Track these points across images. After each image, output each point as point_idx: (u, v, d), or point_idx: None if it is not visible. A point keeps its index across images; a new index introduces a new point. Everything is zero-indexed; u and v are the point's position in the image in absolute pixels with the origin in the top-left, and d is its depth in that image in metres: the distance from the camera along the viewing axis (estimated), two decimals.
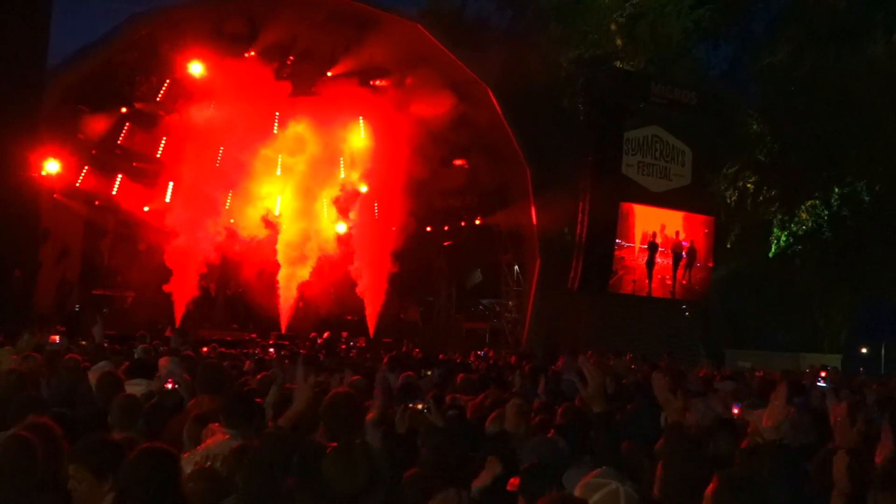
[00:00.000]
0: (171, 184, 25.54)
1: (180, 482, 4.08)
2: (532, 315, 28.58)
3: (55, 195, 23.90)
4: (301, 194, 26.78)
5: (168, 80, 25.27)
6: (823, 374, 14.28)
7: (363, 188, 27.20)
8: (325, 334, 24.33)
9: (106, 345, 14.88)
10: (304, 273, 26.93)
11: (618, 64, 29.46)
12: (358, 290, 27.85)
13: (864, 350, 55.38)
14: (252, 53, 25.05)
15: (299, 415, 4.76)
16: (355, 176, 27.12)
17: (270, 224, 26.93)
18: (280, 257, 26.83)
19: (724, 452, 5.76)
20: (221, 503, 4.61)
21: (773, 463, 5.10)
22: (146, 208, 25.68)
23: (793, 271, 32.65)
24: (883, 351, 65.78)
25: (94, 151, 24.79)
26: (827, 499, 4.34)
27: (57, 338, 14.87)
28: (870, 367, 54.01)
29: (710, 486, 3.70)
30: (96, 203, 25.67)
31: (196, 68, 24.47)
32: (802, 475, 5.32)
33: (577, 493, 3.94)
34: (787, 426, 6.42)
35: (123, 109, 24.94)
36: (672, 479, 4.33)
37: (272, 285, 26.99)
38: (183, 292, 25.37)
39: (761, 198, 31.74)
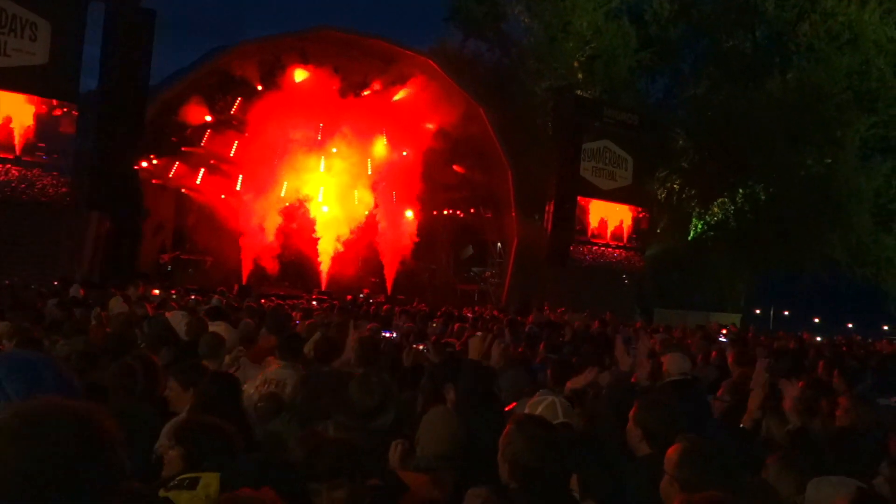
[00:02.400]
0: (240, 177, 25.55)
1: (240, 398, 4.11)
2: (510, 280, 28.66)
3: (153, 181, 23.96)
4: (338, 186, 26.81)
5: (239, 98, 25.24)
6: (724, 331, 14.35)
7: (384, 182, 27.19)
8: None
9: (193, 296, 14.99)
10: (338, 245, 27.00)
11: (578, 92, 29.31)
12: (381, 257, 28.01)
13: (757, 311, 55.53)
14: (305, 76, 25.05)
15: (349, 358, 4.80)
16: (379, 173, 27.09)
17: (311, 208, 26.98)
18: (320, 233, 26.88)
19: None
20: (279, 416, 4.66)
21: (682, 392, 5.15)
22: (223, 196, 25.72)
23: (706, 251, 32.65)
24: (771, 312, 66.06)
25: (183, 149, 24.77)
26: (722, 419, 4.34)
27: (156, 291, 14.99)
28: (762, 324, 54.23)
29: (632, 409, 3.72)
30: (184, 190, 25.68)
31: (260, 89, 24.51)
32: (705, 402, 5.37)
33: (526, 410, 3.99)
34: (688, 366, 6.50)
35: (207, 118, 24.89)
36: (609, 408, 4.36)
37: (314, 254, 27.07)
38: (249, 259, 25.50)
39: (684, 195, 31.71)
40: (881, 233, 30.51)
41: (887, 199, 30.21)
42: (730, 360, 6.07)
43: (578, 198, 28.01)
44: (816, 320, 70.02)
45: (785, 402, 4.18)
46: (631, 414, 3.71)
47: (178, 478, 2.90)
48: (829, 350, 13.09)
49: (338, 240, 26.97)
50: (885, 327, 45.61)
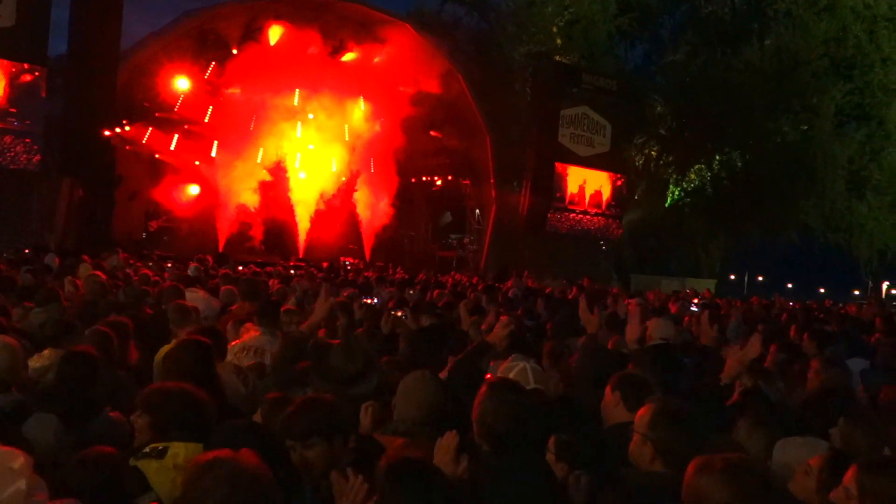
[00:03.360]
0: (216, 143, 25.25)
1: (212, 363, 4.09)
2: (488, 247, 28.72)
3: (127, 147, 23.63)
4: (315, 152, 26.61)
5: (214, 62, 24.87)
6: (696, 300, 14.48)
7: (362, 149, 26.98)
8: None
9: (168, 264, 14.89)
10: (318, 209, 26.92)
11: (557, 58, 29.15)
12: (359, 224, 27.95)
13: (732, 277, 56.19)
14: (281, 33, 24.72)
15: (318, 323, 4.80)
16: (357, 139, 26.86)
17: (288, 175, 26.77)
18: (297, 199, 26.73)
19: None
20: (260, 383, 4.68)
21: (662, 356, 5.23)
22: (197, 162, 25.44)
23: (682, 217, 32.85)
24: (746, 277, 66.94)
25: (157, 115, 24.41)
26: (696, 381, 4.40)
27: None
28: (736, 289, 54.91)
29: (613, 379, 3.74)
30: (158, 156, 25.34)
31: (235, 53, 24.18)
32: (679, 364, 5.45)
33: (500, 374, 4.03)
34: (672, 331, 6.59)
35: (180, 84, 24.52)
36: (582, 373, 4.41)
37: (292, 221, 26.94)
38: (225, 226, 25.35)
39: (661, 162, 31.79)
40: (854, 199, 30.85)
41: (860, 166, 30.50)
42: (703, 321, 6.14)
43: (556, 164, 28.01)
44: (789, 286, 71.12)
45: (731, 369, 4.25)
46: (610, 381, 3.74)
47: (149, 447, 2.90)
48: (801, 314, 13.30)
49: (316, 206, 26.84)
50: (856, 292, 46.40)
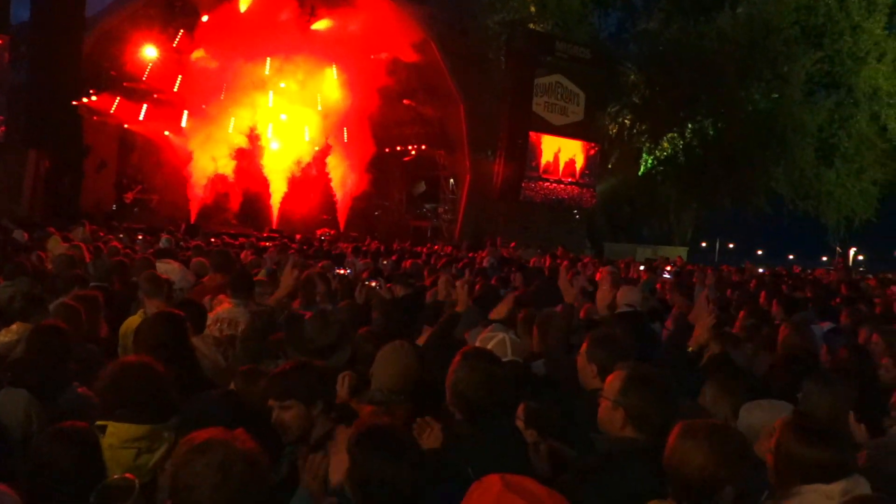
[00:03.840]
0: (185, 112, 24.88)
1: (186, 334, 4.06)
2: (463, 216, 28.73)
3: (94, 118, 23.22)
4: (287, 122, 26.32)
5: (182, 30, 24.43)
6: (669, 267, 14.60)
7: (335, 118, 26.73)
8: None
9: (139, 236, 14.72)
10: (289, 181, 26.72)
11: (531, 26, 28.95)
12: (333, 194, 27.81)
13: (703, 244, 56.75)
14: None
15: (285, 296, 4.80)
16: (329, 108, 26.57)
17: (261, 145, 26.50)
18: (270, 170, 26.50)
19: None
20: (232, 355, 4.67)
21: (630, 323, 5.28)
22: (167, 132, 25.07)
23: (655, 186, 33.02)
24: (717, 245, 67.67)
25: (125, 84, 23.98)
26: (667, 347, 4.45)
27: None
28: (708, 256, 55.50)
29: (584, 344, 3.78)
30: (126, 126, 24.93)
31: (204, 20, 23.76)
32: (649, 330, 5.51)
33: (477, 343, 4.05)
34: (638, 298, 6.66)
35: (148, 52, 24.09)
36: (558, 342, 4.43)
37: (265, 192, 26.73)
38: (197, 197, 25.09)
39: (634, 131, 31.84)
40: (822, 167, 31.19)
41: (829, 133, 30.80)
42: (669, 288, 6.22)
43: (531, 133, 27.97)
44: (760, 252, 72.06)
45: (699, 335, 4.33)
46: (583, 349, 3.77)
47: (97, 423, 2.89)
48: (770, 281, 13.49)
49: (289, 177, 26.64)
50: (824, 258, 47.10)
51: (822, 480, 2.62)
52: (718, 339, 4.51)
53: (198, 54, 23.84)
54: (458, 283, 5.27)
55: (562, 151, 29.23)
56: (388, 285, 7.15)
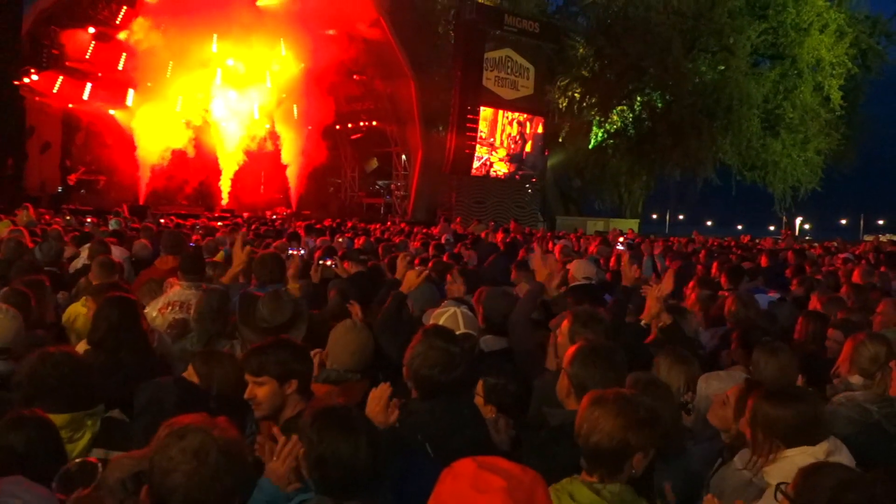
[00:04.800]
0: (131, 91, 24.29)
1: (139, 318, 4.00)
2: (416, 192, 28.69)
3: (37, 98, 22.53)
4: (236, 100, 25.86)
5: (125, 7, 23.78)
6: (622, 238, 14.78)
7: (284, 95, 26.35)
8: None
9: (89, 219, 14.38)
10: (239, 160, 26.34)
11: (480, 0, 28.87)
12: (284, 173, 27.48)
13: (654, 216, 57.63)
14: None
15: (236, 274, 4.74)
16: (278, 85, 26.16)
17: (210, 123, 26.03)
18: (218, 150, 26.08)
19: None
20: (188, 336, 4.61)
21: (586, 296, 5.35)
22: (111, 111, 24.45)
23: (606, 158, 33.31)
24: (667, 216, 68.80)
25: (67, 63, 23.29)
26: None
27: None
28: (658, 228, 56.40)
29: (564, 324, 3.80)
30: (70, 106, 24.24)
31: None
32: (602, 302, 5.58)
33: (431, 320, 4.07)
34: (594, 271, 6.74)
35: (91, 30, 23.42)
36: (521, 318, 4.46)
37: (215, 171, 26.32)
38: (145, 178, 24.61)
39: (584, 104, 31.98)
40: (769, 137, 31.79)
41: (775, 104, 31.36)
42: (623, 262, 6.28)
43: (481, 107, 27.97)
44: (709, 223, 73.48)
45: (651, 307, 4.41)
46: (564, 327, 3.79)
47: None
48: (719, 251, 13.76)
49: (239, 155, 26.26)
50: (772, 227, 48.25)
51: (807, 442, 2.70)
52: (667, 310, 4.58)
53: (142, 32, 23.19)
54: (398, 261, 5.26)
55: (513, 125, 29.33)
56: (346, 264, 7.10)
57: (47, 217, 14.51)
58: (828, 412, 3.19)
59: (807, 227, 50.01)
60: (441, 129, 28.57)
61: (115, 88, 24.22)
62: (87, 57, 23.63)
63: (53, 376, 2.96)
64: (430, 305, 5.41)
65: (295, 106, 26.46)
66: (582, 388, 2.84)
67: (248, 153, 26.54)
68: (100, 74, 24.01)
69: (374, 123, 29.82)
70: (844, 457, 2.70)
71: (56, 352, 3.09)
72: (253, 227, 15.25)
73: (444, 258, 8.34)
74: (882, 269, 9.52)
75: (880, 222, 65.03)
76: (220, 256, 7.48)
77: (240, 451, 2.04)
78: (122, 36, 23.63)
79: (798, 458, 2.66)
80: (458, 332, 3.80)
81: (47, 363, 3.00)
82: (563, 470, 2.46)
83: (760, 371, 3.63)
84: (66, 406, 2.92)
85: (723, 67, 30.35)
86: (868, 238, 35.38)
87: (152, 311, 5.29)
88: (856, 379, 3.59)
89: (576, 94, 31.79)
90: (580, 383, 2.92)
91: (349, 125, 30.29)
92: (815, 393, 3.23)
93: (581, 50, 31.69)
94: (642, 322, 4.41)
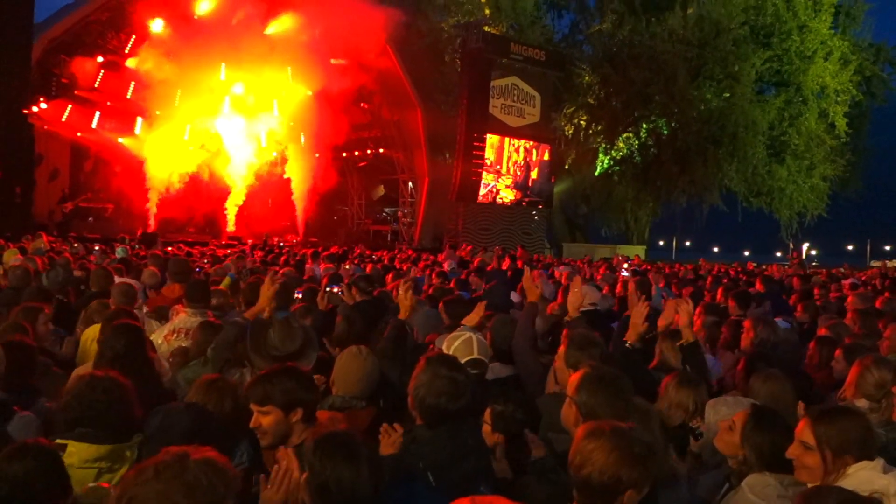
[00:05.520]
0: (139, 120, 24.51)
1: (145, 345, 4.01)
2: (422, 219, 28.76)
3: (46, 127, 22.74)
4: (244, 128, 26.05)
5: (134, 36, 24.04)
6: (626, 265, 14.74)
7: (292, 123, 26.52)
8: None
9: (98, 247, 14.44)
10: (247, 187, 26.49)
11: (486, 28, 29.10)
12: (291, 200, 27.60)
13: (661, 242, 57.54)
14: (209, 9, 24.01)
15: (262, 310, 4.75)
16: (286, 113, 26.35)
17: (218, 151, 26.22)
18: (226, 178, 26.24)
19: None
20: (189, 364, 4.60)
21: (592, 322, 5.33)
22: (120, 139, 24.66)
23: (612, 185, 33.39)
24: (674, 242, 68.69)
25: (76, 92, 23.53)
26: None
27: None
28: (665, 254, 56.25)
29: (562, 347, 3.81)
30: (79, 134, 24.45)
31: (157, 25, 23.40)
32: (610, 330, 5.55)
33: (445, 344, 4.07)
34: (598, 297, 6.73)
35: (99, 59, 23.68)
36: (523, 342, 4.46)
37: (223, 199, 26.46)
38: (154, 205, 24.77)
39: (590, 131, 32.15)
40: (774, 164, 31.85)
41: (780, 131, 31.46)
42: (630, 289, 6.26)
43: (488, 134, 28.10)
44: (716, 249, 73.34)
45: (680, 319, 4.37)
46: (560, 351, 3.79)
47: (57, 441, 2.84)
48: (727, 276, 13.72)
49: (247, 183, 26.41)
50: (778, 254, 48.08)
51: (868, 456, 2.69)
52: (689, 328, 4.53)
53: (150, 60, 23.44)
54: (400, 288, 5.27)
55: (519, 152, 29.45)
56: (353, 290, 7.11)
57: (55, 245, 14.59)
58: None
59: (813, 252, 49.81)
60: (448, 156, 28.70)
61: (123, 117, 24.45)
62: (95, 86, 23.86)
63: (104, 403, 2.95)
64: (434, 331, 5.41)
65: (302, 133, 26.64)
66: (592, 417, 2.82)
67: (255, 181, 26.68)
68: (108, 103, 24.23)
69: (381, 151, 29.96)
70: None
71: (102, 376, 3.07)
72: (258, 254, 15.27)
73: (452, 285, 8.34)
74: (886, 294, 9.48)
75: (887, 248, 64.77)
76: (225, 284, 7.49)
77: (219, 484, 1.92)
78: (130, 64, 23.88)
79: (863, 473, 2.63)
80: (469, 358, 3.80)
81: (98, 389, 2.99)
82: (569, 496, 2.44)
83: (755, 397, 3.63)
84: (109, 436, 2.90)
85: (728, 95, 30.49)
86: (875, 264, 35.20)
87: (158, 338, 5.30)
88: (862, 403, 3.57)
89: (582, 122, 31.97)
90: (589, 412, 2.89)
91: (356, 153, 30.44)
92: (859, 411, 3.20)
93: (587, 78, 31.92)
94: (627, 343, 4.34)
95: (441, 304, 5.93)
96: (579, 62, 32.60)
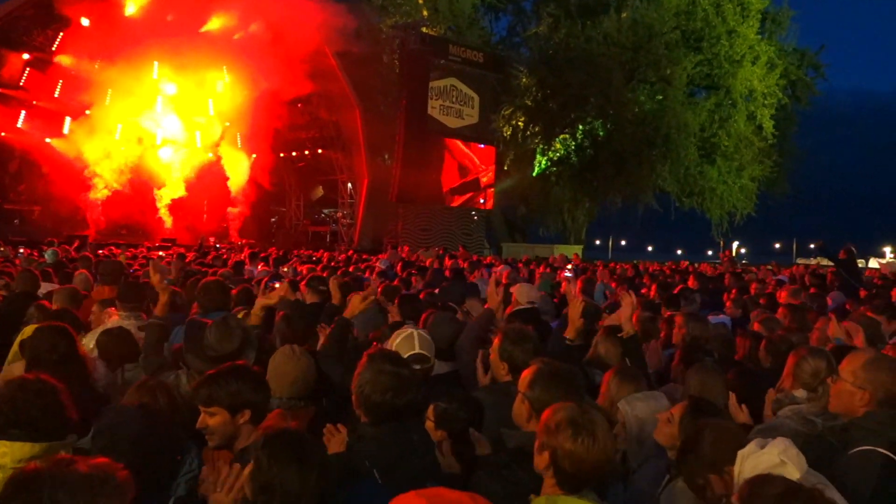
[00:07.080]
0: (68, 119, 23.76)
1: (76, 347, 3.88)
2: (362, 220, 28.59)
3: None
4: (178, 128, 25.51)
5: (62, 32, 23.30)
6: (569, 265, 14.94)
7: (227, 123, 26.08)
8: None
9: (22, 249, 13.96)
10: (180, 190, 25.90)
11: (424, 29, 29.10)
12: (227, 201, 27.12)
13: (598, 242, 58.42)
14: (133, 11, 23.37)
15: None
16: (222, 113, 25.90)
17: (151, 152, 25.59)
18: (161, 177, 25.64)
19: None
20: (125, 366, 4.48)
21: (529, 319, 5.37)
22: (48, 139, 23.85)
23: (550, 186, 33.71)
24: (610, 242, 69.88)
25: (0, 90, 22.71)
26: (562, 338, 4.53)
27: None
28: (601, 253, 57.19)
29: (496, 341, 3.83)
30: (3, 134, 23.57)
31: (85, 22, 22.72)
32: (548, 328, 5.61)
33: (390, 341, 4.05)
34: (536, 295, 6.79)
35: (25, 56, 22.88)
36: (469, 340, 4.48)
37: (155, 200, 25.84)
38: (83, 207, 24.04)
39: (528, 132, 32.40)
40: (705, 164, 32.66)
41: (711, 133, 32.26)
42: (577, 288, 6.36)
43: (442, 138, 28.13)
44: (650, 248, 74.90)
45: (622, 311, 4.46)
46: (495, 345, 3.82)
47: None
48: (661, 275, 14.02)
49: (181, 184, 25.85)
50: (710, 252, 49.38)
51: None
52: (630, 323, 4.60)
53: (79, 58, 22.76)
54: (331, 284, 5.24)
55: (458, 154, 29.55)
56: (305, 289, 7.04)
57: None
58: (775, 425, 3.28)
59: (743, 251, 51.31)
60: (387, 156, 28.61)
61: (51, 116, 23.68)
62: (21, 84, 23.06)
63: (36, 406, 2.84)
64: (376, 329, 5.39)
65: (238, 134, 26.22)
66: (542, 412, 2.84)
67: (190, 182, 26.15)
68: (35, 102, 23.44)
69: (320, 151, 29.71)
70: None
71: (33, 378, 2.96)
72: (191, 255, 14.97)
73: (395, 283, 8.32)
74: (812, 290, 9.84)
75: (812, 246, 67.11)
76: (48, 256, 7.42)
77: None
78: (58, 62, 23.14)
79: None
80: (412, 353, 3.78)
81: (29, 391, 2.87)
82: (524, 492, 2.45)
83: (689, 388, 3.74)
84: (43, 435, 2.79)
85: (661, 97, 31.13)
86: (801, 261, 36.41)
87: (90, 342, 5.14)
88: (800, 393, 3.68)
89: (520, 123, 32.21)
90: (542, 408, 2.89)
91: (294, 153, 30.12)
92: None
93: (524, 80, 32.17)
94: (567, 340, 4.41)
95: (397, 301, 5.93)
96: (517, 64, 32.86)
